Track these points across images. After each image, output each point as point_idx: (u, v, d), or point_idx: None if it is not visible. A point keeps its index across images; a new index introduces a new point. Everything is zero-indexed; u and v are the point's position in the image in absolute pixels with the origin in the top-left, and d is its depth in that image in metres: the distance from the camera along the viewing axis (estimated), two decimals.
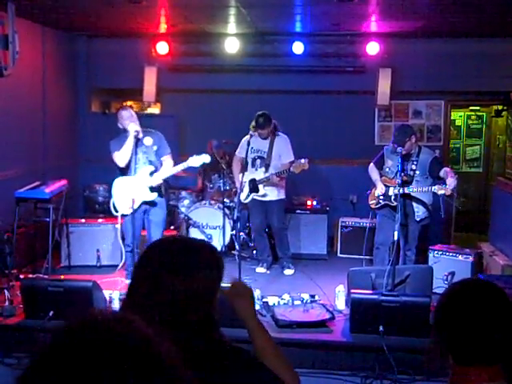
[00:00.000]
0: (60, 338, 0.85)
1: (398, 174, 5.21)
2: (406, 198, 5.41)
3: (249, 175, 6.19)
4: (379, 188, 5.59)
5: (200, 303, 1.52)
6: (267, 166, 6.13)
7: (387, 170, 5.66)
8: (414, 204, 5.51)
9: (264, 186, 6.14)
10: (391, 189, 5.49)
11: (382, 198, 5.60)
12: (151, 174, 5.22)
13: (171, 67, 8.05)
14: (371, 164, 5.79)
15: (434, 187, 5.24)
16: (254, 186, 6.16)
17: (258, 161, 6.20)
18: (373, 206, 5.76)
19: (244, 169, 5.99)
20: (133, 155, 5.17)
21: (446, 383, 1.48)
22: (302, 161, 5.79)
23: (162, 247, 1.61)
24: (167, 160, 5.37)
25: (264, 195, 6.17)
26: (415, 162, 5.49)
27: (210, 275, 1.55)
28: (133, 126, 5.11)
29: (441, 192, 5.14)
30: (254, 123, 6.08)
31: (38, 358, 0.83)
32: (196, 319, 1.50)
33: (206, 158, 5.22)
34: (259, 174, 6.15)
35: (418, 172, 5.47)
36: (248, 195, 6.23)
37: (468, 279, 1.80)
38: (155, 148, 5.29)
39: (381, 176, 5.68)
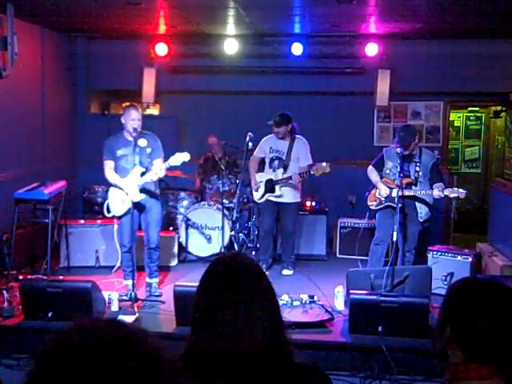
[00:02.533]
0: (58, 344, 0.85)
1: (398, 175, 5.20)
2: (409, 199, 5.40)
3: (265, 175, 6.20)
4: (383, 190, 5.53)
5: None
6: (285, 168, 6.12)
7: (388, 171, 5.62)
8: (418, 205, 5.47)
9: (280, 186, 6.14)
10: (395, 190, 5.43)
11: (384, 199, 5.58)
12: (141, 174, 5.18)
13: (170, 68, 8.06)
14: (370, 166, 5.75)
15: (445, 191, 5.17)
16: (270, 186, 6.16)
17: (276, 162, 6.19)
18: (373, 208, 5.71)
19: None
20: (129, 156, 5.16)
21: (444, 382, 1.47)
22: (324, 164, 5.77)
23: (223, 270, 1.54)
24: (158, 163, 5.20)
25: (279, 196, 6.17)
26: (418, 164, 5.47)
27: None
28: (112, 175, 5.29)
29: (453, 195, 5.11)
30: (272, 121, 6.12)
31: (40, 361, 0.83)
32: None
33: (185, 157, 5.10)
34: (277, 175, 6.15)
35: (421, 173, 5.46)
36: (263, 195, 6.23)
37: (473, 277, 1.78)
38: (149, 150, 5.22)
39: (381, 178, 5.65)
